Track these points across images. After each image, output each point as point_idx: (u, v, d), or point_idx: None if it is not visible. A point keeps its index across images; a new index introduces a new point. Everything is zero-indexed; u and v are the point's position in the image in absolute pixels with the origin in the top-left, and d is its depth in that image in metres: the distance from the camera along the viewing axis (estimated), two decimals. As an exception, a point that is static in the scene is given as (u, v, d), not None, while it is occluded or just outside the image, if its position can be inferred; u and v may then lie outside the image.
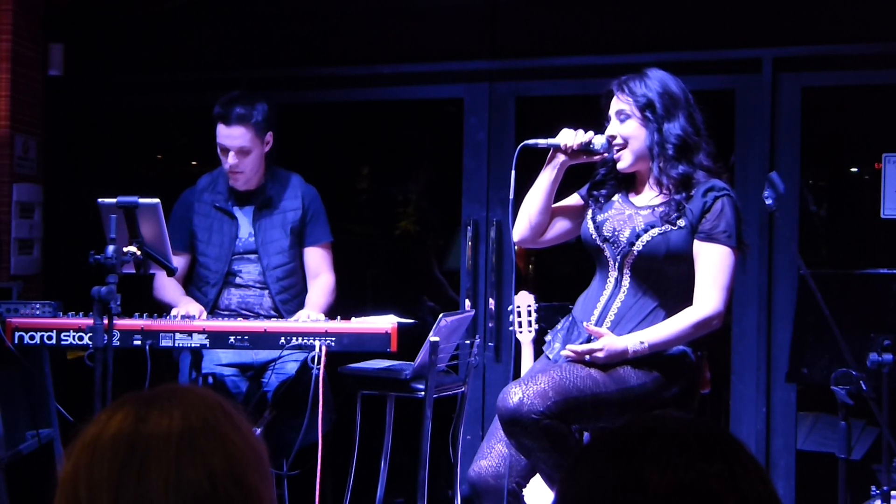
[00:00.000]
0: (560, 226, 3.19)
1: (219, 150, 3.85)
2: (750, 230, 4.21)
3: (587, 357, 2.91)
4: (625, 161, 3.05)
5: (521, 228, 3.16)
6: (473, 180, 4.58)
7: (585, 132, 3.05)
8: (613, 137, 3.04)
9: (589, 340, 3.02)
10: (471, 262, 4.53)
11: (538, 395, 2.81)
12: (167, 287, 3.82)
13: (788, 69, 4.21)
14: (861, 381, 2.91)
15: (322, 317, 3.61)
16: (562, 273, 4.85)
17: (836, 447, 3.13)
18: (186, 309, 3.61)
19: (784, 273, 4.17)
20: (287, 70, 4.83)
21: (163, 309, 3.63)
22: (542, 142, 3.09)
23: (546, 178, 3.11)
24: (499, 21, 4.62)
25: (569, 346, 2.97)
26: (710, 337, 3.00)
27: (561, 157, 3.09)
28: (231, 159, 3.80)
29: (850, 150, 5.13)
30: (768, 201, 2.99)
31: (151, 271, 3.23)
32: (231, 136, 3.79)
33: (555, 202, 3.17)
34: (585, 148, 3.05)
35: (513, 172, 3.06)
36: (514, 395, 2.82)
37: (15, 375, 3.76)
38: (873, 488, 3.34)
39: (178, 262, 3.80)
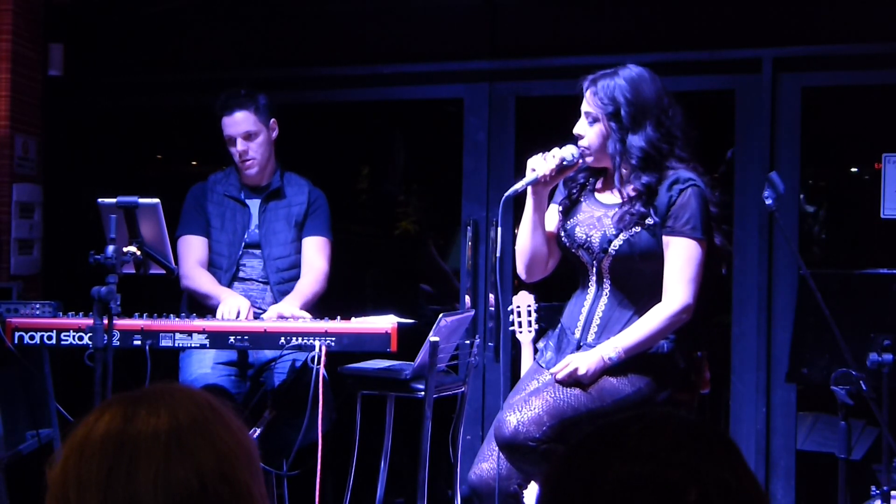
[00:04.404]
0: (556, 248, 3.14)
1: (227, 146, 3.89)
2: (750, 230, 4.21)
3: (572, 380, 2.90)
4: (590, 159, 3.02)
5: (527, 268, 3.11)
6: (473, 180, 4.58)
7: (551, 151, 2.99)
8: (581, 136, 3.01)
9: (579, 348, 3.02)
10: (471, 262, 4.53)
11: (533, 422, 2.82)
12: (199, 277, 3.83)
13: (788, 69, 4.20)
14: (861, 381, 2.91)
15: (297, 311, 3.57)
16: (562, 273, 4.85)
17: (836, 447, 3.13)
18: (238, 304, 3.58)
19: (784, 273, 4.17)
20: (287, 70, 4.83)
21: (169, 307, 3.59)
22: (520, 186, 3.01)
23: (535, 214, 3.04)
24: (499, 21, 4.61)
25: (552, 371, 2.96)
26: (710, 337, 3.00)
27: (542, 188, 3.02)
28: (240, 146, 3.85)
29: (850, 150, 5.13)
30: (768, 201, 2.99)
31: (151, 272, 3.23)
32: (235, 122, 3.86)
33: None
34: (561, 167, 2.99)
35: (498, 230, 3.03)
36: (510, 423, 2.84)
37: (15, 375, 3.76)
38: (873, 488, 3.34)
39: (199, 245, 3.88)
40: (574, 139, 3.03)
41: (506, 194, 3.02)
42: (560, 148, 3.00)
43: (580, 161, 3.02)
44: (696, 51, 4.26)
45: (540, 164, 2.98)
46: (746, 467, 1.02)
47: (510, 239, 4.54)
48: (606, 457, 1.00)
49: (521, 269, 3.14)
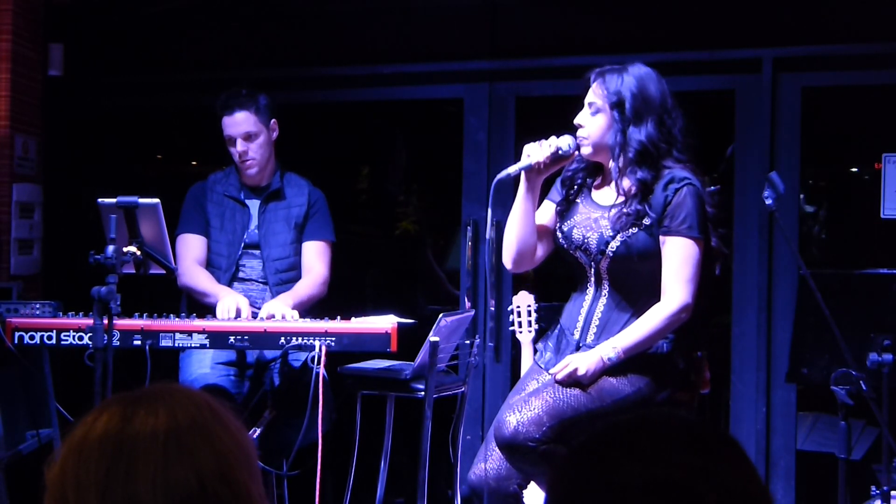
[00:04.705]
0: (546, 240, 3.14)
1: (227, 145, 3.89)
2: (750, 230, 4.21)
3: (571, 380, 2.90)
4: (586, 150, 3.02)
5: (515, 257, 3.09)
6: (473, 180, 4.58)
7: (548, 140, 3.00)
8: (581, 126, 3.02)
9: (578, 348, 3.01)
10: (471, 262, 4.53)
11: (533, 423, 2.82)
12: (197, 275, 3.83)
13: (788, 69, 4.20)
14: (861, 381, 2.91)
15: (287, 309, 3.57)
16: (562, 273, 4.86)
17: (836, 447, 3.13)
18: (237, 302, 3.58)
19: (784, 273, 4.17)
20: (287, 70, 4.83)
21: (169, 307, 3.59)
22: (513, 169, 3.02)
23: (526, 201, 3.05)
24: (499, 21, 4.61)
25: (551, 372, 2.96)
26: (710, 337, 3.00)
27: (535, 176, 3.03)
28: (240, 146, 3.84)
29: (850, 150, 5.12)
30: (768, 201, 2.99)
31: (151, 272, 3.23)
32: (236, 122, 3.85)
33: None
34: (556, 155, 3.01)
35: (489, 211, 3.03)
36: (510, 424, 2.83)
37: (15, 375, 3.76)
38: (873, 488, 3.35)
39: (197, 244, 3.88)
40: (574, 130, 3.04)
41: (498, 176, 3.03)
42: (557, 137, 3.01)
43: (575, 152, 3.03)
44: (696, 51, 4.26)
45: (535, 151, 3.00)
46: (756, 470, 1.03)
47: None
48: (624, 462, 0.99)
49: (507, 259, 3.12)
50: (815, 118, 4.34)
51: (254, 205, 3.94)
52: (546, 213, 3.15)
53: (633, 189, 2.93)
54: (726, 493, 0.97)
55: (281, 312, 3.53)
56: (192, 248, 3.89)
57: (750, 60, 4.23)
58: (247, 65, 4.89)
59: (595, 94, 3.01)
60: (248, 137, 3.85)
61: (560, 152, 3.00)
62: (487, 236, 3.07)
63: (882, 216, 4.14)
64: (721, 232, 3.02)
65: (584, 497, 1.00)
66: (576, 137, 3.02)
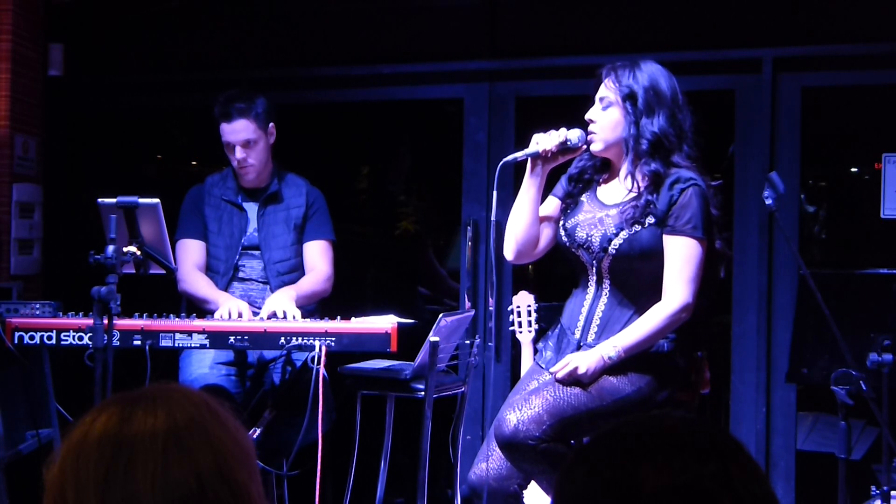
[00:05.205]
0: (547, 233, 3.15)
1: (225, 150, 3.89)
2: (750, 230, 4.21)
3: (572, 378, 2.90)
4: (597, 146, 3.03)
5: (517, 247, 3.10)
6: (473, 180, 4.58)
7: (558, 130, 3.02)
8: (592, 121, 3.02)
9: (579, 348, 3.01)
10: (471, 262, 4.53)
11: (533, 421, 2.81)
12: (197, 281, 3.83)
13: (788, 69, 4.20)
14: (861, 381, 2.91)
15: (291, 308, 3.55)
16: (562, 273, 4.85)
17: (836, 447, 3.13)
18: (238, 306, 3.58)
19: (784, 273, 4.17)
20: (287, 70, 4.83)
21: (169, 307, 3.59)
22: (520, 154, 3.05)
23: (530, 188, 3.06)
24: (499, 21, 4.61)
25: (552, 371, 2.96)
26: (710, 337, 3.00)
27: (541, 164, 3.04)
28: (238, 154, 3.84)
29: (850, 150, 5.12)
30: (768, 201, 2.99)
31: (151, 271, 3.23)
32: (235, 130, 3.84)
33: None
34: (563, 146, 3.03)
35: (495, 193, 3.03)
36: (510, 422, 2.83)
37: (15, 375, 3.75)
38: (873, 488, 3.35)
39: (196, 248, 3.89)
40: (584, 125, 3.04)
41: (505, 159, 3.05)
42: (567, 129, 3.02)
43: (583, 146, 3.03)
44: (696, 51, 4.26)
45: (543, 139, 3.02)
46: (763, 473, 1.03)
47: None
48: (639, 467, 0.99)
49: (509, 249, 3.12)
50: (815, 118, 4.34)
51: (251, 208, 3.94)
52: (549, 207, 3.16)
53: (647, 181, 2.94)
54: (738, 496, 0.98)
55: (283, 310, 3.53)
56: (191, 253, 3.89)
57: (750, 60, 4.23)
58: (247, 65, 4.89)
59: (607, 89, 3.02)
60: (247, 144, 3.85)
61: (569, 143, 3.02)
62: (493, 217, 3.08)
63: (882, 216, 4.14)
64: (725, 235, 3.03)
65: (596, 500, 1.00)
66: (587, 133, 3.03)
